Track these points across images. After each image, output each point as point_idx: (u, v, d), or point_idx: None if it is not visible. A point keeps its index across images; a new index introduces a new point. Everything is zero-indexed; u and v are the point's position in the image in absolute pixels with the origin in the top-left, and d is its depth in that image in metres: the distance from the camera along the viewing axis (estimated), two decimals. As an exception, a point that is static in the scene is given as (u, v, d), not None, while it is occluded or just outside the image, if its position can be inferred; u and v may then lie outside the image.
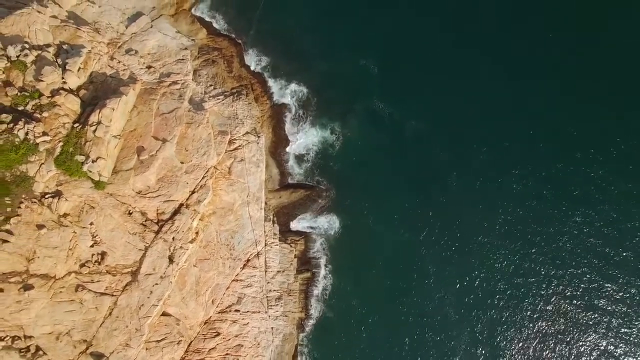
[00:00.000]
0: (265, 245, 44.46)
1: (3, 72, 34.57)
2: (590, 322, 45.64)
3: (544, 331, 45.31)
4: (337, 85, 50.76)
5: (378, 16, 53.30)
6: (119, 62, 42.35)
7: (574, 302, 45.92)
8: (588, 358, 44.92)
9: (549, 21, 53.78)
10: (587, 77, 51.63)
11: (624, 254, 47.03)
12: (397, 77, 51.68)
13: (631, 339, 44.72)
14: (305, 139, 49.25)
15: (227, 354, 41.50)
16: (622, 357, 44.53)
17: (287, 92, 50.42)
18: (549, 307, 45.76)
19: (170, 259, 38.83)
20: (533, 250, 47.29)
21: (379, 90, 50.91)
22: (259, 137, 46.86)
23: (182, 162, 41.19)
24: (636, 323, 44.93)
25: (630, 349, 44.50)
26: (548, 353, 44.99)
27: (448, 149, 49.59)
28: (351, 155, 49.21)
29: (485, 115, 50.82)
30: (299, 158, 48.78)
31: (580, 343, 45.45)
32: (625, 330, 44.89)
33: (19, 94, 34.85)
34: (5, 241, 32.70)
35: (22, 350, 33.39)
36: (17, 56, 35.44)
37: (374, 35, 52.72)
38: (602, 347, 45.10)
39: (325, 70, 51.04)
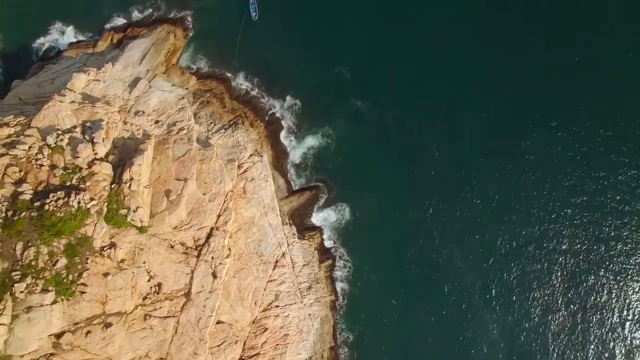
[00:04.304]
0: (288, 245, 48.33)
1: (48, 158, 39.10)
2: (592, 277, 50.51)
3: (537, 282, 50.36)
4: (320, 95, 54.97)
5: (341, 30, 57.67)
6: (132, 124, 45.70)
7: (568, 256, 50.99)
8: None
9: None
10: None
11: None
12: (368, 76, 56.02)
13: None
14: (301, 148, 53.13)
15: (277, 345, 45.15)
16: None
17: (276, 111, 54.09)
18: (545, 265, 50.82)
19: (214, 275, 42.17)
20: (517, 206, 52.23)
21: (355, 91, 55.29)
22: (261, 156, 50.40)
23: (204, 194, 44.45)
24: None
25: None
26: (546, 301, 49.79)
27: (425, 129, 53.97)
28: (345, 152, 53.34)
29: (449, 95, 55.26)
30: (299, 165, 52.79)
31: (587, 293, 49.99)
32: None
33: (64, 172, 39.17)
34: (83, 292, 36.98)
35: (113, 377, 37.48)
36: (55, 142, 39.75)
37: (341, 45, 56.83)
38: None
39: (306, 84, 55.11)
